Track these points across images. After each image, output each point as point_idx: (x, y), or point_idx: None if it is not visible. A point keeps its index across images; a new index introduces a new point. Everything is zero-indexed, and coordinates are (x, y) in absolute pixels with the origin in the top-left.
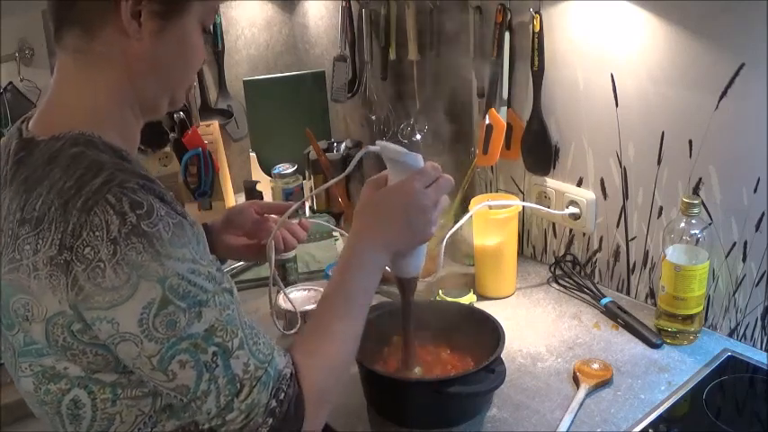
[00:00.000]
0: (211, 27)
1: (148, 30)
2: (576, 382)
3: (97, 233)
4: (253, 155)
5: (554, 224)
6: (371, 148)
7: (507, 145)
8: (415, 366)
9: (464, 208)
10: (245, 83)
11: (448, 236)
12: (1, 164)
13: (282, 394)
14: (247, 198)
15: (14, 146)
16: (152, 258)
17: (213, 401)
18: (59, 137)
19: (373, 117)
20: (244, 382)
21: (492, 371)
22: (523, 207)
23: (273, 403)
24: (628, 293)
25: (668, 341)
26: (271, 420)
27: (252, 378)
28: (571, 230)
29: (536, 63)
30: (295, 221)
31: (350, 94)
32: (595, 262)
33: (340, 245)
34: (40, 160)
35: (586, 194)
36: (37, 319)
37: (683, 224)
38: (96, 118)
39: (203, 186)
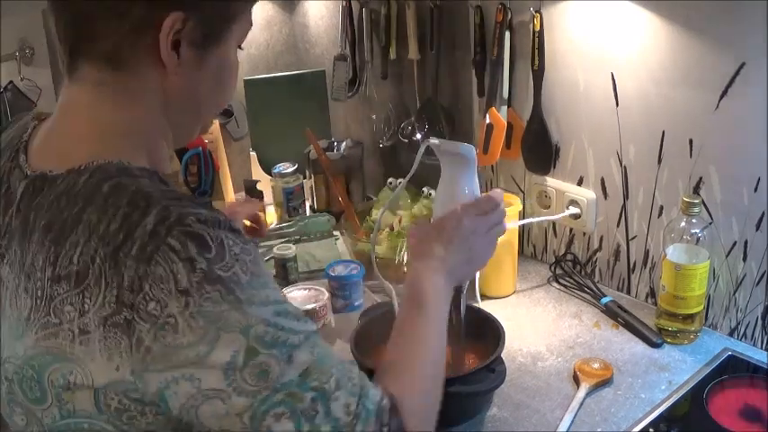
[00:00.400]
0: None
1: (187, 61)
2: (577, 381)
3: (162, 285)
4: (253, 154)
5: (554, 223)
6: (432, 141)
7: (507, 144)
8: (465, 362)
9: None
10: (246, 82)
11: None
12: None
13: (386, 428)
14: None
15: (21, 187)
16: (231, 307)
17: None
18: (81, 169)
19: (373, 116)
20: (348, 422)
21: (492, 370)
22: (524, 206)
23: (386, 422)
24: (628, 293)
25: (669, 340)
26: None
27: (355, 416)
28: (571, 230)
29: (536, 62)
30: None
31: (350, 94)
32: (596, 261)
33: (340, 244)
34: (64, 201)
35: (587, 194)
36: (83, 387)
37: (683, 223)
38: (121, 144)
39: (203, 186)
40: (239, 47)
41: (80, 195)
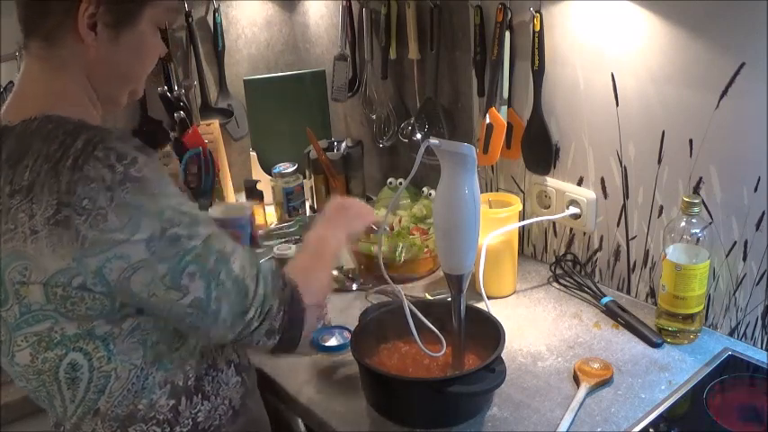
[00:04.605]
0: (213, 24)
1: (104, 38)
2: (577, 381)
3: (92, 185)
4: (253, 154)
5: (554, 223)
6: (432, 141)
7: (508, 144)
8: (464, 362)
9: None
10: (246, 82)
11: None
12: None
13: (281, 281)
14: (248, 197)
15: None
16: (146, 198)
17: (227, 307)
18: (31, 119)
19: (373, 116)
20: (246, 280)
21: (492, 370)
22: (524, 205)
23: (280, 284)
24: (628, 293)
25: (669, 340)
26: (285, 307)
27: (251, 275)
28: (571, 230)
29: (536, 62)
30: None
31: (350, 94)
32: (596, 261)
33: None
34: (19, 138)
35: (587, 194)
36: (35, 281)
37: (683, 223)
38: (61, 104)
39: (204, 186)
40: (164, 30)
41: (31, 133)
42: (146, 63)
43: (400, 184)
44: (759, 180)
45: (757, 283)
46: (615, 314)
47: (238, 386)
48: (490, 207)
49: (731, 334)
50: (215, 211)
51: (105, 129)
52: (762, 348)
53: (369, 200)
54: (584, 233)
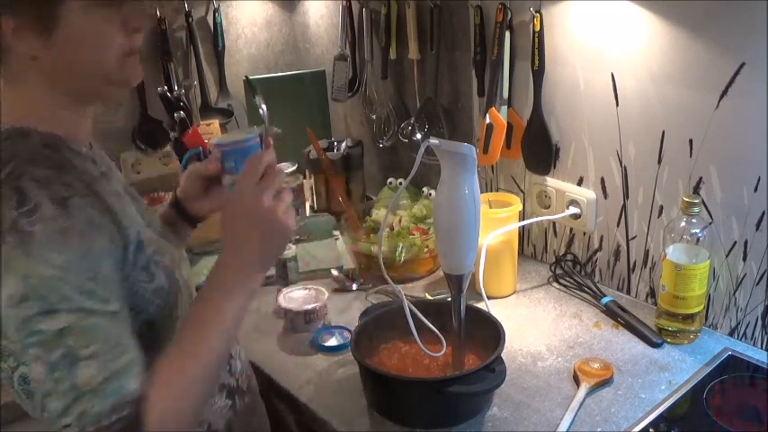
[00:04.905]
0: (213, 24)
1: (38, 46)
2: (577, 381)
3: None
4: None
5: (554, 223)
6: (432, 141)
7: (507, 144)
8: (464, 362)
9: None
10: (246, 82)
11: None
12: None
13: (125, 411)
14: None
15: None
16: (21, 255)
17: (55, 402)
18: None
19: (373, 116)
20: (85, 392)
21: (492, 370)
22: (524, 205)
23: (112, 419)
24: (628, 293)
25: (669, 340)
26: None
27: (94, 390)
28: (571, 230)
29: (536, 62)
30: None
31: (350, 94)
32: (596, 261)
33: (340, 244)
34: None
35: (587, 194)
36: None
37: (683, 223)
38: (30, 115)
39: None
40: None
41: None
42: (105, 52)
43: (400, 184)
44: (759, 180)
45: (757, 283)
46: (615, 314)
47: (225, 410)
48: (490, 207)
49: (731, 334)
50: (219, 138)
51: (44, 160)
52: (762, 348)
53: (368, 200)
54: (585, 233)
